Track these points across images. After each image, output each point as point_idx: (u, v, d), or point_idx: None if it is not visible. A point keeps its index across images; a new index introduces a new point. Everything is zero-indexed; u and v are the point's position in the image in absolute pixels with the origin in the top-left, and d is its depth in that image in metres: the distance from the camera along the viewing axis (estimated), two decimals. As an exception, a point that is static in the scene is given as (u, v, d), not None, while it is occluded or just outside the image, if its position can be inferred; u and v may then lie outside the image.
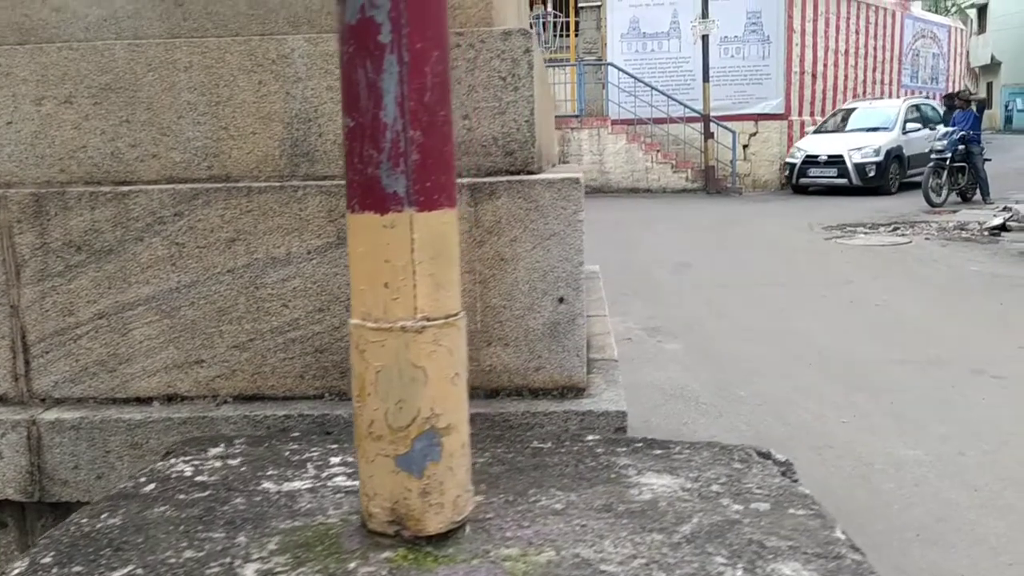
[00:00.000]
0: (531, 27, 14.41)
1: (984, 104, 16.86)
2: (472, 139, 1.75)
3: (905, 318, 6.06)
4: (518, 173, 1.74)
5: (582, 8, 16.79)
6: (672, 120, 15.93)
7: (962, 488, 3.30)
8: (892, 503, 3.21)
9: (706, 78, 15.49)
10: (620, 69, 15.95)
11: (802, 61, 17.02)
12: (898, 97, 20.29)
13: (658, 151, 15.78)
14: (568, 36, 17.39)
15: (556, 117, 15.99)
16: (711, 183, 15.47)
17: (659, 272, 8.09)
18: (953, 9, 36.37)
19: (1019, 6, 31.61)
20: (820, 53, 17.52)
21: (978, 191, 12.86)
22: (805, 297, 6.79)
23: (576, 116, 15.91)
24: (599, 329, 2.35)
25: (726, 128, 15.74)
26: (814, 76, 17.44)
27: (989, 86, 37.91)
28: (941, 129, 14.32)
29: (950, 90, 22.71)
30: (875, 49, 19.45)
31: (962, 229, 9.97)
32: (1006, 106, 35.63)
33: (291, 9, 1.79)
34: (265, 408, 1.67)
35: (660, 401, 4.51)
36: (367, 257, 0.84)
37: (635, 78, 15.85)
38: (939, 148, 12.53)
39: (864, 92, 19.18)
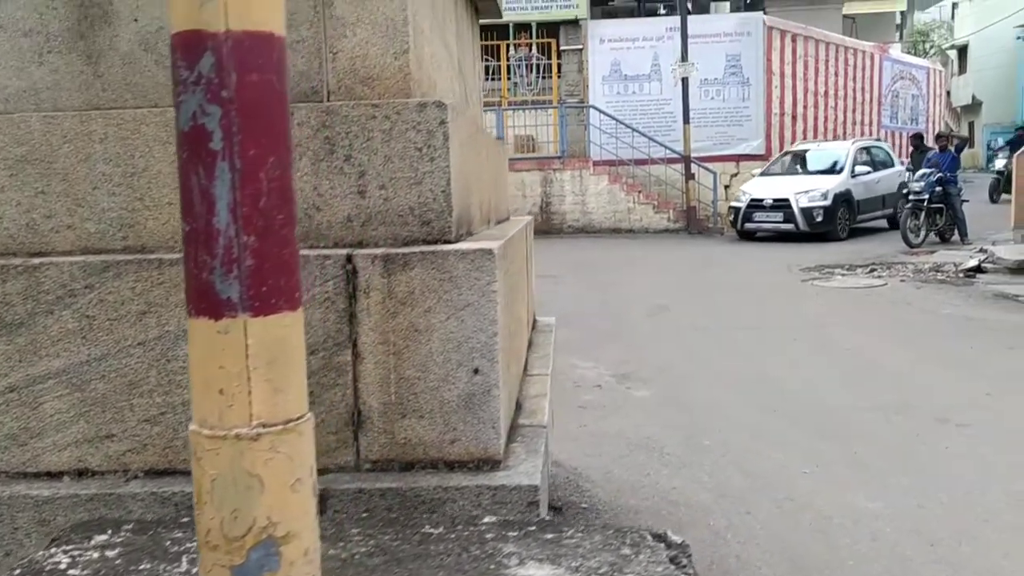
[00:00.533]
0: (488, 75, 14.39)
1: (965, 143, 17.08)
2: (389, 209, 1.75)
3: (875, 363, 6.06)
4: (435, 242, 1.74)
5: (564, 51, 17.01)
6: (653, 161, 16.06)
7: (919, 542, 3.27)
8: (848, 559, 3.18)
9: (686, 120, 15.65)
10: (601, 111, 16.11)
11: (782, 103, 17.24)
12: (878, 137, 20.57)
13: (640, 192, 15.89)
14: (551, 78, 17.58)
15: (538, 159, 16.15)
16: (692, 223, 15.56)
17: (635, 314, 8.09)
18: (932, 51, 36.99)
19: (997, 47, 32.15)
20: (800, 95, 17.75)
21: (956, 232, 12.95)
22: (778, 341, 6.80)
23: (558, 157, 16.03)
24: (535, 390, 2.33)
25: (707, 169, 15.87)
26: (794, 117, 17.65)
27: (971, 125, 38.43)
28: (898, 167, 14.50)
29: (935, 130, 23.03)
30: (855, 90, 19.73)
31: (938, 271, 10.02)
32: (988, 145, 36.04)
33: (210, 80, 1.80)
34: (175, 484, 1.65)
35: (624, 452, 4.47)
36: (203, 363, 0.83)
37: (616, 120, 16.01)
38: (917, 189, 12.64)
39: (844, 132, 19.40)
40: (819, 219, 13.79)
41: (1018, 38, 10.92)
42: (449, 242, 1.75)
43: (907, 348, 6.49)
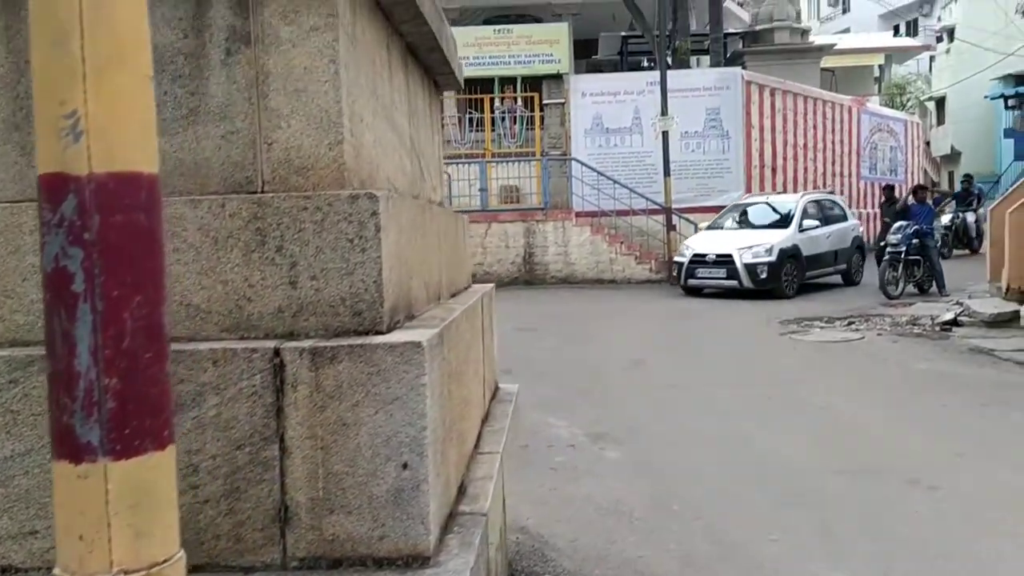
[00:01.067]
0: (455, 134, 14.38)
1: (944, 198, 17.33)
2: (320, 299, 1.75)
3: (848, 422, 6.05)
4: (367, 333, 1.73)
5: (547, 104, 17.24)
6: (635, 212, 16.19)
7: (883, 616, 3.24)
8: (810, 633, 3.13)
9: (667, 172, 15.81)
10: (583, 164, 16.28)
11: (761, 155, 17.47)
12: (855, 188, 20.84)
13: (622, 243, 15.98)
14: (535, 130, 17.77)
15: (521, 210, 16.26)
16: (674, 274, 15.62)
17: (612, 370, 8.08)
18: (909, 103, 37.66)
19: (974, 100, 32.71)
20: (779, 147, 18.00)
21: (934, 283, 13.05)
22: (753, 398, 6.78)
23: (541, 209, 16.14)
24: (483, 472, 2.30)
25: (688, 220, 16.00)
26: (774, 169, 17.87)
27: (951, 175, 38.92)
28: (852, 221, 14.48)
29: (914, 181, 23.35)
30: (833, 143, 20.03)
31: (915, 324, 10.07)
32: (967, 194, 36.53)
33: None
34: (94, 583, 1.61)
35: (593, 517, 4.42)
36: (64, 507, 0.81)
37: (598, 172, 16.17)
38: (894, 241, 12.76)
39: (824, 184, 19.63)
40: (763, 276, 13.16)
41: (986, 96, 10.73)
42: (381, 332, 1.74)
43: (881, 406, 6.49)
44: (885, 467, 4.97)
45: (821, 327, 10.36)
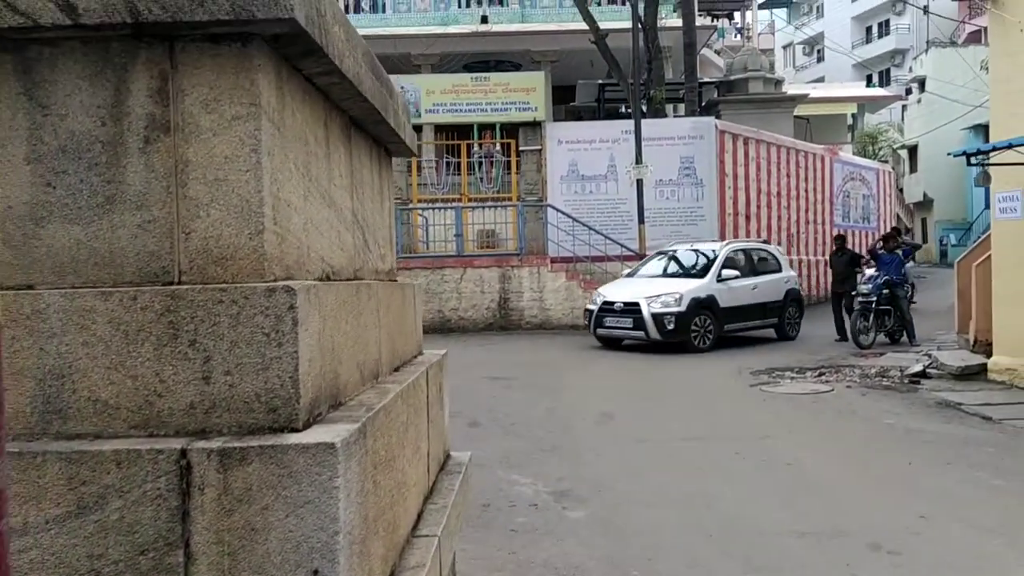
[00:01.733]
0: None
1: (913, 249, 17.50)
2: (234, 396, 1.69)
3: (814, 480, 6.00)
4: (282, 431, 1.68)
5: (523, 151, 17.35)
6: (610, 259, 16.24)
7: None
8: None
9: (641, 220, 15.91)
10: (559, 210, 16.35)
11: (735, 203, 17.63)
12: (828, 236, 20.99)
13: (597, 289, 15.98)
14: (512, 174, 17.87)
15: (497, 256, 16.26)
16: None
17: (581, 423, 8.00)
18: (880, 152, 38.30)
19: (946, 148, 33.30)
20: (752, 195, 18.19)
21: (905, 333, 13.13)
22: (721, 454, 6.73)
23: (517, 254, 16.16)
24: (416, 559, 2.23)
25: (665, 267, 16.04)
26: (747, 217, 18.03)
27: (923, 222, 39.55)
28: (786, 273, 14.14)
29: (885, 229, 23.61)
30: (807, 191, 20.26)
31: (884, 376, 10.10)
32: (940, 241, 37.07)
33: (56, 259, 1.76)
34: None
35: (550, 584, 4.34)
36: None
37: (573, 219, 16.24)
38: (865, 291, 12.87)
39: (798, 231, 19.84)
40: (670, 327, 12.49)
41: (949, 153, 10.49)
42: (296, 430, 1.69)
43: (847, 463, 6.46)
44: (849, 529, 4.92)
45: (792, 378, 10.36)
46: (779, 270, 14.55)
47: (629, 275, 14.49)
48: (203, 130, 1.77)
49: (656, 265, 14.36)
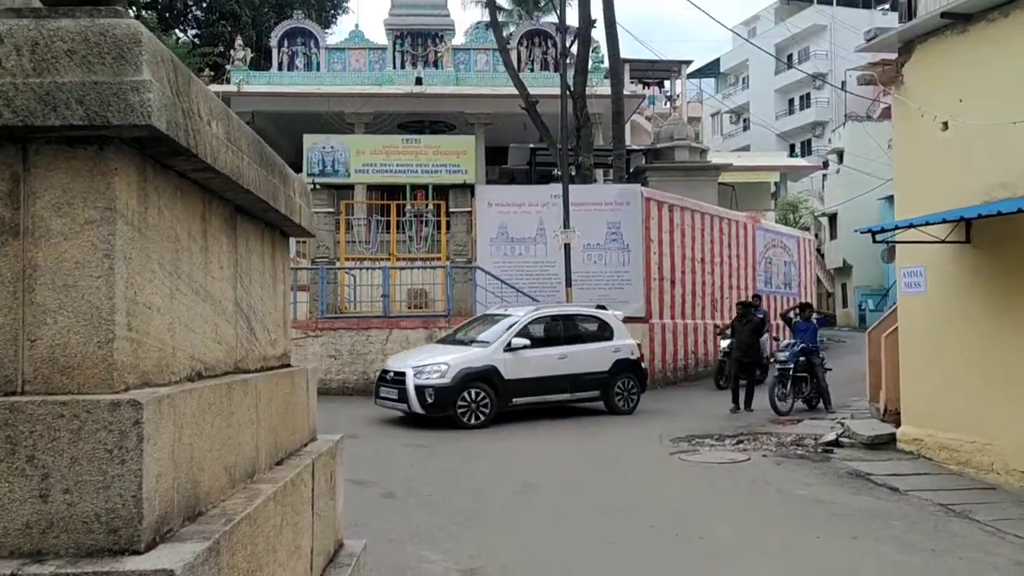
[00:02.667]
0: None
1: (826, 319, 18.08)
2: (73, 515, 1.61)
3: (725, 555, 6.01)
4: (122, 553, 1.60)
5: (453, 213, 17.42)
6: (538, 322, 16.27)
7: None
8: None
9: (568, 283, 16.06)
10: (487, 272, 16.40)
11: (660, 268, 17.95)
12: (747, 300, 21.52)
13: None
14: (441, 235, 17.91)
15: (424, 317, 16.17)
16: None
17: (501, 493, 7.90)
18: (801, 220, 39.69)
19: (863, 216, 34.66)
20: (678, 261, 18.55)
21: (821, 400, 13.43)
22: (635, 528, 6.70)
23: (444, 316, 16.09)
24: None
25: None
26: (673, 282, 18.37)
27: (843, 287, 40.91)
28: (615, 342, 13.11)
29: (805, 295, 24.35)
30: (730, 257, 20.78)
31: (799, 445, 10.27)
32: (860, 305, 38.33)
33: None
34: None
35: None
36: None
37: (502, 281, 16.30)
38: (782, 358, 13.16)
39: (722, 296, 20.27)
40: (431, 400, 11.47)
41: (855, 230, 10.63)
42: (138, 552, 1.61)
43: (758, 537, 6.49)
44: (753, 611, 4.92)
45: (711, 445, 10.46)
46: (608, 338, 13.44)
47: (440, 341, 13.75)
48: (54, 234, 1.72)
49: (466, 331, 13.49)
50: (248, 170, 2.38)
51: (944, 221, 8.08)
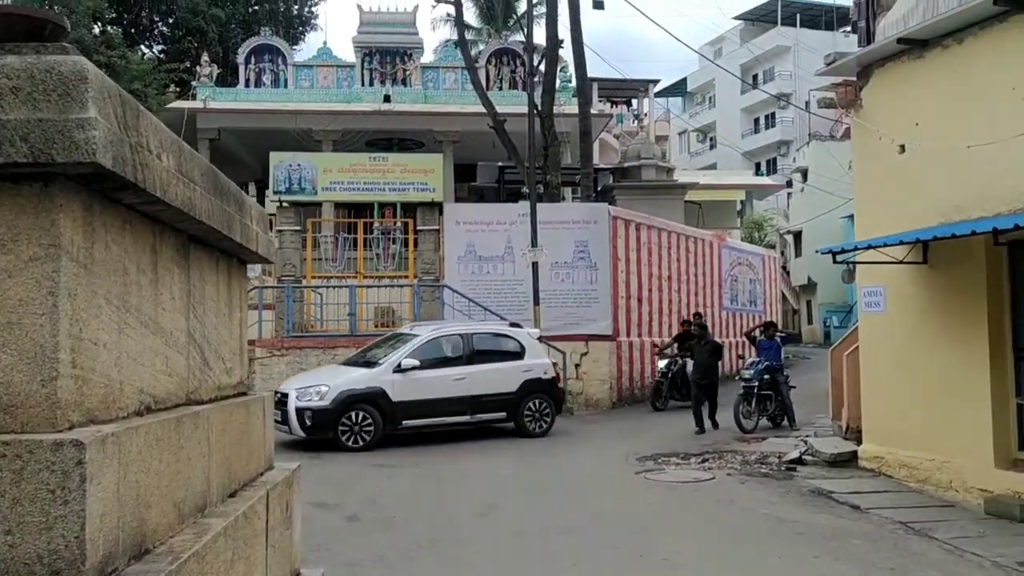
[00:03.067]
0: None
1: (789, 337, 18.28)
2: (15, 557, 1.59)
3: (687, 577, 6.04)
4: (65, 597, 1.58)
5: (421, 231, 17.40)
6: (505, 340, 16.28)
7: None
8: None
9: (536, 302, 16.11)
10: (455, 291, 16.39)
11: (627, 286, 18.06)
12: (717, 318, 21.74)
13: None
14: (409, 253, 17.89)
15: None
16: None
17: (463, 517, 7.86)
18: (767, 238, 40.20)
19: (827, 235, 35.20)
20: (644, 279, 18.68)
21: (785, 417, 13.56)
22: (598, 548, 6.71)
23: (412, 334, 16.02)
24: None
25: (556, 349, 16.21)
26: (639, 300, 18.48)
27: (808, 304, 41.40)
28: (528, 361, 12.72)
29: (771, 313, 24.62)
30: (696, 275, 20.97)
31: (763, 463, 10.36)
32: (824, 322, 38.80)
33: None
34: None
35: None
36: None
37: (469, 299, 16.30)
38: (747, 376, 13.28)
39: (689, 314, 20.41)
40: (309, 423, 11.21)
41: (816, 251, 10.64)
42: (81, 595, 1.58)
43: (720, 558, 6.53)
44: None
45: (677, 463, 10.51)
46: (519, 357, 12.92)
47: (345, 361, 13.34)
48: (-3, 271, 1.70)
49: (374, 351, 12.96)
50: (201, 201, 2.37)
51: (901, 243, 8.24)
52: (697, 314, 18.05)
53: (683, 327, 16.90)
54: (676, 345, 16.70)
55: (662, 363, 16.66)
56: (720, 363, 14.17)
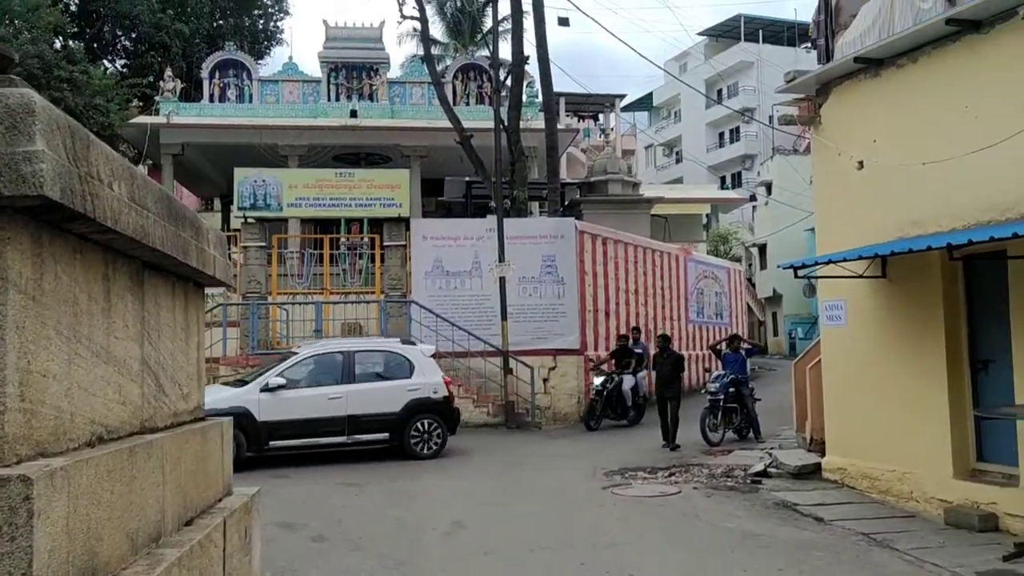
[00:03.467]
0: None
1: (756, 349, 18.43)
2: (-41, 595, 1.56)
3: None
4: (9, 634, 1.55)
5: (388, 246, 17.36)
6: (473, 355, 16.29)
7: None
8: None
9: (504, 316, 16.13)
10: (422, 306, 16.36)
11: (595, 300, 18.14)
12: (684, 331, 21.90)
13: (460, 385, 15.94)
14: (376, 269, 17.83)
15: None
16: (511, 417, 15.68)
17: (430, 536, 7.82)
18: (732, 250, 40.64)
19: (792, 248, 35.69)
20: (612, 293, 18.78)
21: (751, 430, 13.66)
22: (566, 566, 6.71)
23: (379, 351, 15.95)
24: None
25: (524, 364, 16.24)
26: (607, 314, 18.57)
27: (774, 315, 41.85)
28: (411, 380, 12.21)
29: (737, 326, 24.84)
30: (663, 288, 21.13)
31: (728, 476, 10.42)
32: (790, 334, 39.25)
33: None
34: None
35: None
36: None
37: (437, 315, 16.27)
38: (712, 389, 13.37)
39: (656, 327, 20.55)
40: None
41: (778, 266, 10.53)
42: (28, 633, 1.56)
43: (685, 573, 6.56)
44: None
45: (644, 478, 10.55)
46: (406, 376, 12.38)
47: (229, 381, 13.10)
48: (-58, 305, 1.68)
49: (263, 369, 12.52)
50: (155, 228, 2.36)
51: (860, 257, 8.38)
52: (635, 328, 17.76)
53: (620, 342, 16.56)
54: (612, 361, 16.25)
55: (598, 380, 15.93)
56: (682, 376, 14.08)
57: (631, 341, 16.41)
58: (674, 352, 14.34)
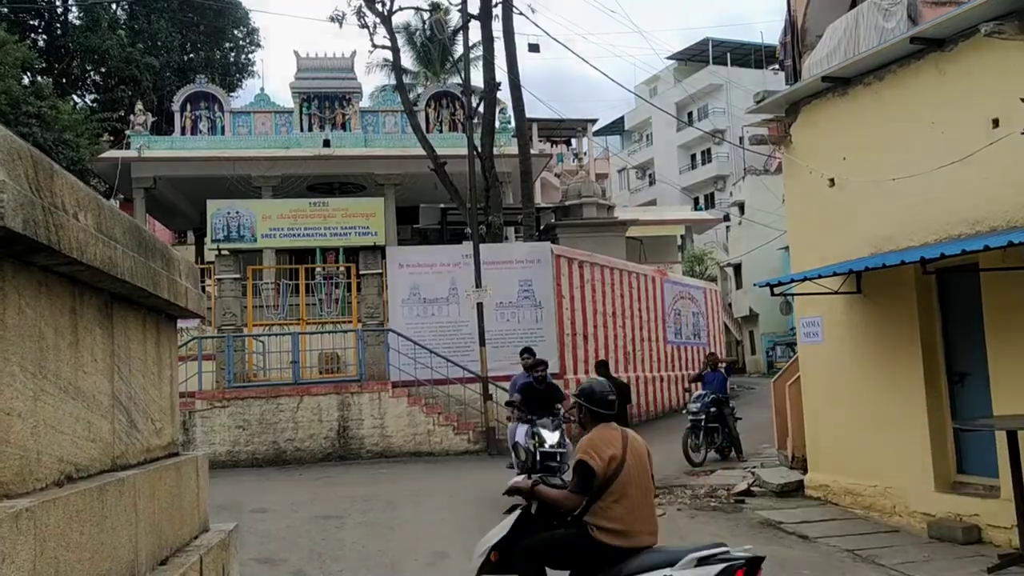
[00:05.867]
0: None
1: (733, 365, 18.49)
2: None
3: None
4: None
5: (364, 275, 17.26)
6: (452, 382, 16.19)
7: None
8: None
9: (482, 343, 16.05)
10: (400, 334, 16.25)
11: (573, 323, 18.14)
12: (661, 352, 21.92)
13: (440, 413, 15.84)
14: (352, 298, 17.71)
15: (336, 382, 15.85)
16: (492, 445, 15.56)
17: (410, 567, 7.70)
18: (708, 272, 40.90)
19: (767, 267, 35.96)
20: (589, 316, 18.79)
21: (733, 449, 13.65)
22: (551, 593, 6.61)
23: (357, 380, 15.83)
24: None
25: (504, 389, 16.12)
26: (585, 337, 18.56)
27: (751, 334, 42.08)
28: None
29: (714, 345, 24.94)
30: (640, 310, 21.17)
31: (712, 496, 10.38)
32: (767, 352, 39.44)
33: None
34: None
35: None
36: None
37: (415, 342, 16.16)
38: (693, 409, 13.35)
39: (634, 349, 20.58)
40: None
41: (754, 284, 10.36)
42: None
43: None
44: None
45: (627, 501, 10.46)
46: None
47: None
48: (-102, 343, 1.61)
49: None
50: (123, 259, 2.30)
51: (835, 274, 8.44)
52: (542, 362, 12.37)
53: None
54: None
55: (521, 429, 11.83)
56: (629, 406, 13.16)
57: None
58: (615, 378, 12.82)
